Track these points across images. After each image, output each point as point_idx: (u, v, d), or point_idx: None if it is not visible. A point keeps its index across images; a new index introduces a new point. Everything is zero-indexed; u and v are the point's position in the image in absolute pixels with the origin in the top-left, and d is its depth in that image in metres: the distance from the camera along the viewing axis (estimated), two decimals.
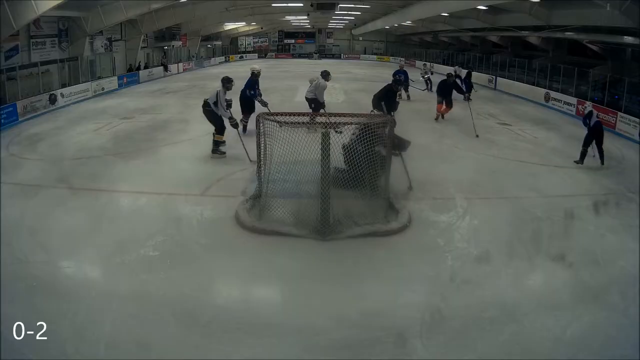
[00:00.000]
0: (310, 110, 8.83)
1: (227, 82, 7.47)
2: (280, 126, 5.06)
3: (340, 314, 3.55)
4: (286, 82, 18.84)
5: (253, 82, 9.04)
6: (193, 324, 3.43)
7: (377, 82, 20.32)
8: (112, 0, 16.31)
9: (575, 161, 7.87)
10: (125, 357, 3.10)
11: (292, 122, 5.23)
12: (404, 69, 15.12)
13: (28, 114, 11.78)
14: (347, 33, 41.78)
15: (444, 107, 11.25)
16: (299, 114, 5.56)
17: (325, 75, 9.13)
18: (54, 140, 9.29)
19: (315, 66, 29.15)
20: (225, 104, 7.45)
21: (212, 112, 7.37)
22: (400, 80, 11.00)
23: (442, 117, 11.37)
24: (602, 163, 7.75)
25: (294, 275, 4.18)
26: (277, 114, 5.52)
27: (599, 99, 12.85)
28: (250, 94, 8.92)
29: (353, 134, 5.39)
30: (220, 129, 7.50)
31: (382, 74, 25.56)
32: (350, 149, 5.29)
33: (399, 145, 6.27)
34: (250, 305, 3.79)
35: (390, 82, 8.56)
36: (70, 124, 10.78)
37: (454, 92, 11.40)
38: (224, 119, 7.42)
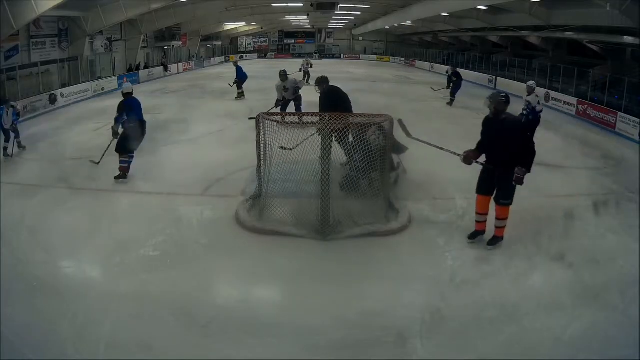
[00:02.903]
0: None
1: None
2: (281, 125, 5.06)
3: (340, 314, 3.55)
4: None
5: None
6: (193, 324, 3.43)
7: (377, 82, 20.47)
8: (112, 0, 16.32)
9: None
10: (125, 357, 3.10)
11: (292, 123, 5.23)
12: (239, 64, 15.05)
13: (28, 114, 11.79)
14: (347, 33, 41.78)
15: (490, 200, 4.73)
16: (298, 114, 5.57)
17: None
18: (53, 140, 9.29)
19: (315, 66, 29.12)
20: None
21: None
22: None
23: (498, 237, 4.66)
24: None
25: (294, 275, 4.18)
26: (277, 114, 5.53)
27: (598, 99, 12.85)
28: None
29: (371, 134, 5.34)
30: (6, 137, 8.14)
31: (382, 74, 25.65)
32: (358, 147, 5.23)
33: (396, 149, 6.22)
34: (250, 305, 3.78)
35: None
36: (70, 124, 10.78)
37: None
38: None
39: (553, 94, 14.85)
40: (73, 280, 4.09)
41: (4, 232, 4.80)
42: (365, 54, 41.40)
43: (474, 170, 7.28)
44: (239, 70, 14.38)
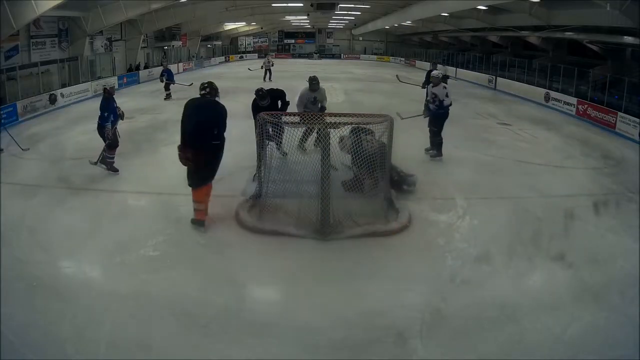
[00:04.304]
0: None
1: None
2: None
3: (340, 314, 3.55)
4: (284, 83, 18.93)
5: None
6: (193, 324, 3.43)
7: (377, 82, 20.48)
8: (112, 0, 16.32)
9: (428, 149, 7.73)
10: (125, 357, 3.10)
11: (292, 122, 5.23)
12: (168, 67, 15.77)
13: (28, 114, 11.78)
14: (347, 33, 41.79)
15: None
16: (297, 114, 5.56)
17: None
18: (54, 140, 9.29)
19: (315, 66, 29.19)
20: None
21: None
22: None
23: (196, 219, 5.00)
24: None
25: (294, 275, 4.18)
26: (276, 114, 5.53)
27: (598, 98, 12.86)
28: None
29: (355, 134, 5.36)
30: None
31: (382, 74, 25.64)
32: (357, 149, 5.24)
33: (401, 181, 6.04)
34: (250, 305, 3.78)
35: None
36: (70, 124, 10.78)
37: None
38: None
39: (553, 94, 14.86)
40: (73, 280, 4.09)
41: (4, 232, 4.80)
42: (365, 54, 41.40)
43: (474, 171, 7.33)
44: (169, 72, 15.16)
